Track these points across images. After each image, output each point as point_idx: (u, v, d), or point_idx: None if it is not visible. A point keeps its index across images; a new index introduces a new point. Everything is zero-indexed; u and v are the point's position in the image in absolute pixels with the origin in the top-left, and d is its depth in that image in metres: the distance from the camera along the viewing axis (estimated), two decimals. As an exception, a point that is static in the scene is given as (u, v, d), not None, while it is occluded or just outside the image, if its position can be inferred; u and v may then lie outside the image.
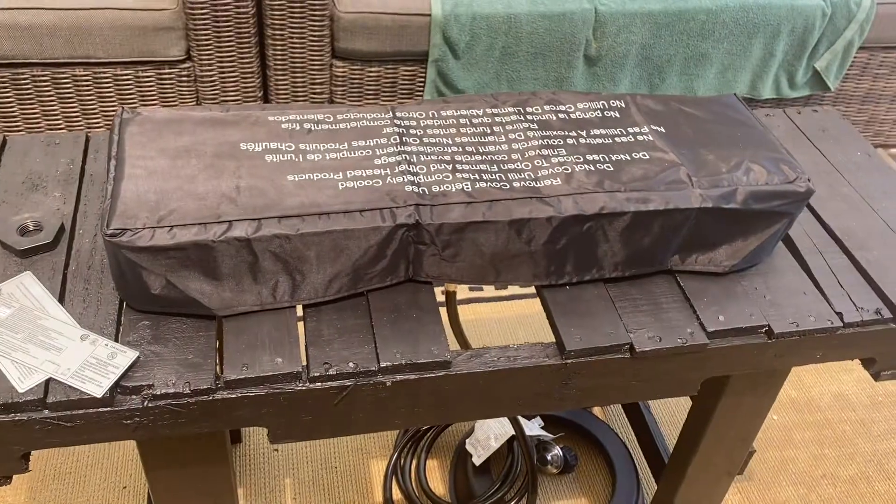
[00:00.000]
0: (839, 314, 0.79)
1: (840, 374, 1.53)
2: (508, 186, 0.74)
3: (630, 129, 0.83)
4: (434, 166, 0.75)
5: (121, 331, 0.70)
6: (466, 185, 0.74)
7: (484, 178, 0.75)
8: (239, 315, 0.72)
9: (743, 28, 1.79)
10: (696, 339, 0.75)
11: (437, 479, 1.27)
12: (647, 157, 0.79)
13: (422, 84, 1.74)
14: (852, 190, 0.95)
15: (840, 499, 1.32)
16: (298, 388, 0.68)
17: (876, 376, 0.86)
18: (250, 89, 1.66)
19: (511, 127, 0.82)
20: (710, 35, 1.78)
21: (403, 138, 0.78)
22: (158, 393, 0.65)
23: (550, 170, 0.77)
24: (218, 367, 0.68)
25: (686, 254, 0.80)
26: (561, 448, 1.27)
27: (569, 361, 0.73)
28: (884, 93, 2.06)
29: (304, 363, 0.69)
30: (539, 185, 0.75)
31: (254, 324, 0.71)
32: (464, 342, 1.01)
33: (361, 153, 0.76)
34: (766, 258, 0.84)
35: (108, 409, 0.65)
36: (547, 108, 0.85)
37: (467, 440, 1.25)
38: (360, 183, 0.72)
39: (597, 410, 1.41)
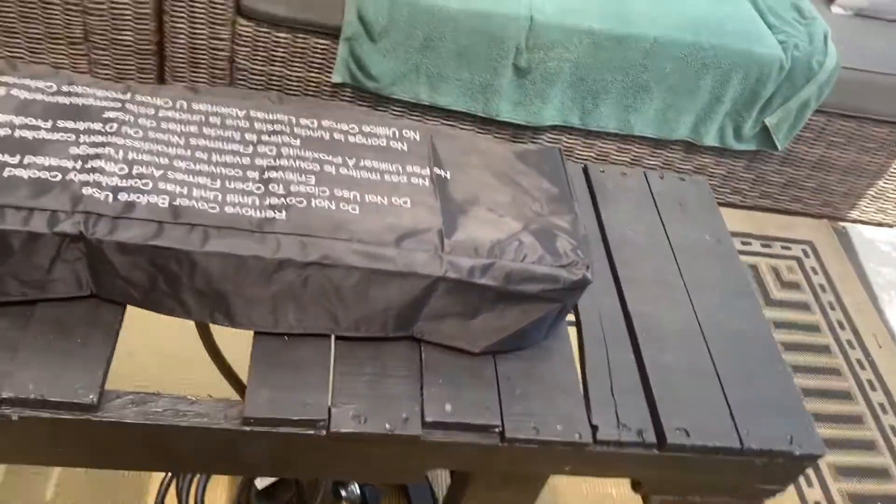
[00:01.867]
0: (594, 427, 0.68)
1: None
2: (218, 210, 0.62)
3: (408, 168, 0.71)
4: (139, 168, 0.63)
5: None
6: (163, 199, 0.62)
7: (194, 194, 0.63)
8: None
9: (690, 66, 1.66)
10: (408, 429, 0.64)
11: (222, 493, 1.17)
12: (407, 205, 0.67)
13: (335, 61, 1.60)
14: (678, 278, 0.83)
15: None
16: None
17: (645, 499, 0.75)
18: (144, 33, 1.53)
19: (268, 138, 0.70)
20: (653, 67, 1.65)
21: (123, 127, 0.66)
22: None
23: (284, 199, 0.65)
24: None
25: (433, 323, 0.68)
26: (361, 486, 1.16)
27: (248, 429, 0.62)
28: (837, 162, 1.94)
29: (-86, 375, 0.58)
30: (260, 215, 0.63)
31: None
32: (229, 374, 0.90)
33: (60, 136, 0.64)
34: (540, 341, 0.73)
35: None
36: (326, 123, 0.73)
37: (260, 458, 1.14)
38: (34, 173, 0.60)
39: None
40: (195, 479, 1.16)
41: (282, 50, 1.58)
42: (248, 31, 1.55)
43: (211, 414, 0.62)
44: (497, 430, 0.66)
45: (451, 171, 0.72)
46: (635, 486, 0.74)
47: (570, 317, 0.76)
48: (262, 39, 1.56)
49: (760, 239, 1.96)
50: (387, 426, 0.63)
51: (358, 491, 1.16)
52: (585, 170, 0.94)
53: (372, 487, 1.18)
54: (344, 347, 0.68)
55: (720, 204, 1.99)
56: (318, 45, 1.58)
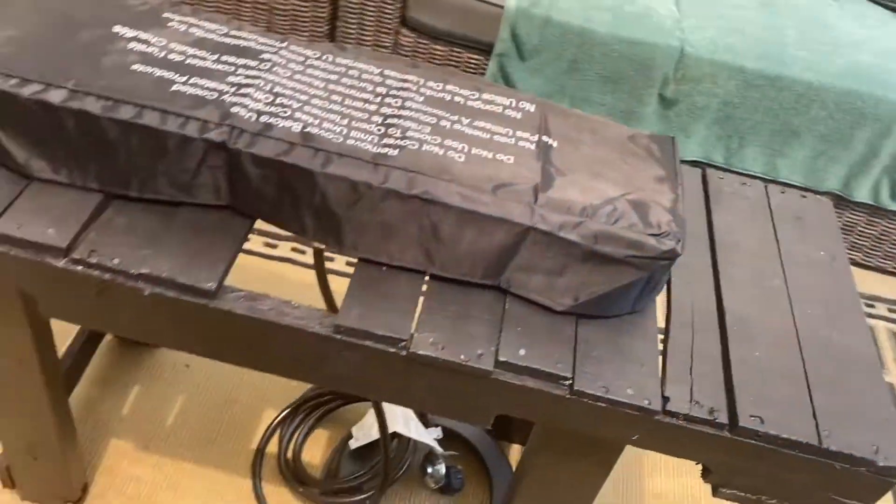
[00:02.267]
0: (666, 398, 0.68)
1: None
2: (342, 141, 0.70)
3: (518, 133, 0.76)
4: (282, 100, 0.72)
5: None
6: (297, 125, 0.70)
7: (324, 126, 0.71)
8: (49, 182, 0.73)
9: (846, 115, 1.60)
10: (481, 363, 0.67)
11: (318, 449, 1.24)
12: (510, 161, 0.72)
13: (484, 76, 1.69)
14: (783, 284, 0.82)
15: None
16: (58, 265, 0.68)
17: (714, 491, 0.74)
18: (318, 34, 1.69)
19: (395, 93, 0.77)
20: (805, 112, 1.61)
21: (275, 67, 0.76)
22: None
23: (398, 141, 0.71)
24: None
25: (520, 275, 0.72)
26: (448, 466, 1.20)
27: (338, 337, 0.68)
28: None
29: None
30: (375, 150, 0.70)
31: (53, 193, 0.72)
32: (329, 302, 0.97)
33: (222, 66, 0.74)
34: (627, 314, 0.74)
35: None
36: (450, 87, 0.80)
37: (357, 423, 1.21)
38: (195, 91, 0.71)
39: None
40: (296, 433, 1.24)
41: (437, 61, 1.69)
42: (409, 41, 1.67)
43: (308, 318, 0.69)
44: (567, 382, 0.68)
45: (558, 142, 0.76)
46: (705, 475, 0.73)
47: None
48: (421, 49, 1.68)
49: (914, 309, 1.82)
50: (462, 357, 0.68)
51: (443, 471, 1.19)
52: (704, 174, 0.94)
53: (457, 470, 1.21)
54: (435, 286, 0.73)
55: (869, 268, 1.89)
56: (471, 60, 1.68)
